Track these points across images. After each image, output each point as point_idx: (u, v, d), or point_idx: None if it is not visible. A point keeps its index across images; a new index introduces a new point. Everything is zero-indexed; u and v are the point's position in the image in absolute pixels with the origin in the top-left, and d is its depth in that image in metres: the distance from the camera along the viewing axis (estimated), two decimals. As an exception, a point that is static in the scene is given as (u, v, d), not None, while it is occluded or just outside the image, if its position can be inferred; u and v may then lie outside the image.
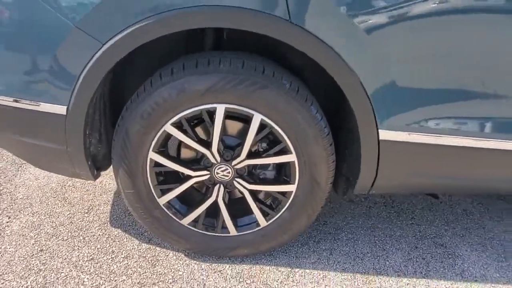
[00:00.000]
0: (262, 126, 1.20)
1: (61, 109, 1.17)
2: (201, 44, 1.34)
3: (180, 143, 1.36)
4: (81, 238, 1.53)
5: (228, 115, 1.21)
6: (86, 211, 1.68)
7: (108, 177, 1.90)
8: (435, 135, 1.17)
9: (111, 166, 1.34)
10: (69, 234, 1.54)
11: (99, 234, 1.55)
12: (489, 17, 1.06)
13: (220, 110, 1.17)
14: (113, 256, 1.45)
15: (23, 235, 1.53)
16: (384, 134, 1.18)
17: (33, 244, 1.49)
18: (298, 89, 1.17)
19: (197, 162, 1.33)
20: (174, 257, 1.44)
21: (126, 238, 1.53)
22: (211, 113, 1.19)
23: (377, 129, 1.18)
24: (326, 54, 1.07)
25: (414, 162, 1.25)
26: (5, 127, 1.28)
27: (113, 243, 1.51)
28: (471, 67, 1.10)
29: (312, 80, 1.29)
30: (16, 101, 1.18)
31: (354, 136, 1.22)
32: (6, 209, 1.67)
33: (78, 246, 1.49)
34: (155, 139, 1.22)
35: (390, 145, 1.20)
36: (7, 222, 1.60)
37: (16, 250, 1.45)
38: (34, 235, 1.53)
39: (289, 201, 1.32)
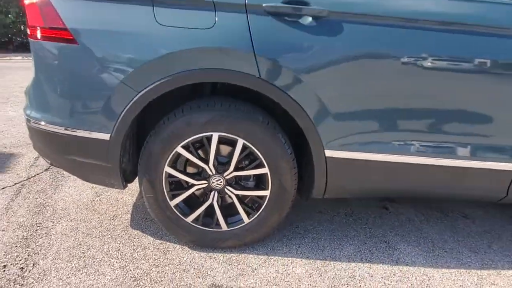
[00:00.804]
0: (244, 147, 1.73)
1: (106, 136, 1.70)
2: (203, 90, 1.91)
3: (187, 160, 1.87)
4: (109, 236, 2.01)
5: (220, 140, 1.74)
6: (111, 218, 2.17)
7: (127, 194, 2.40)
8: (362, 153, 1.70)
9: (135, 180, 1.86)
10: (100, 233, 2.03)
11: (123, 234, 2.03)
12: (391, 68, 1.62)
13: (215, 136, 1.71)
14: (134, 248, 1.92)
15: (65, 234, 2.01)
16: (328, 153, 1.71)
17: (73, 240, 1.96)
18: (268, 122, 1.71)
19: (198, 174, 1.84)
20: (180, 248, 1.92)
21: (144, 237, 2.01)
22: (209, 139, 1.72)
23: (323, 149, 1.71)
24: (285, 98, 1.62)
25: (350, 173, 1.77)
26: (63, 150, 1.81)
27: (134, 239, 1.98)
28: (382, 106, 1.65)
29: (281, 115, 1.82)
30: (74, 130, 1.72)
31: (309, 154, 1.75)
32: (50, 216, 2.16)
33: (107, 241, 1.96)
34: (170, 157, 1.74)
35: (333, 160, 1.72)
36: (52, 225, 2.08)
37: (61, 244, 1.93)
38: (74, 234, 2.01)
39: (265, 203, 1.82)
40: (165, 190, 1.80)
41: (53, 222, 2.11)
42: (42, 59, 1.69)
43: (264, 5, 1.57)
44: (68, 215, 2.19)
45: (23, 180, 2.57)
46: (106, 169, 1.78)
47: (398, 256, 1.93)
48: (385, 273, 1.79)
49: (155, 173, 1.77)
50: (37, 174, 2.67)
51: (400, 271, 1.81)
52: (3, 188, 2.46)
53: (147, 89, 1.62)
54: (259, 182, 1.87)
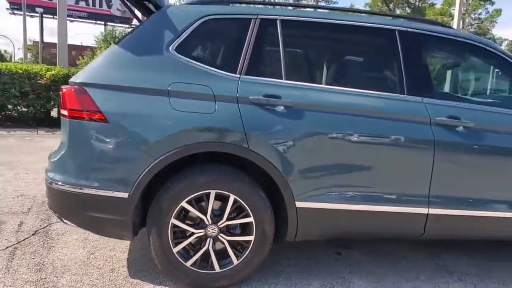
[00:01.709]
0: (235, 201, 2.24)
1: (125, 195, 2.12)
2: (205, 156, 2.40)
3: (185, 213, 2.30)
4: (113, 285, 2.30)
5: (216, 197, 2.24)
6: (110, 271, 2.46)
7: (118, 252, 2.72)
8: (324, 203, 2.29)
9: (139, 231, 2.24)
10: (104, 284, 2.31)
11: (125, 283, 2.33)
12: (335, 142, 2.29)
13: (213, 193, 2.21)
14: (138, 293, 2.24)
15: (72, 286, 2.26)
16: (298, 204, 2.27)
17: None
18: (252, 182, 2.26)
19: (196, 225, 2.28)
20: (179, 291, 2.28)
21: (144, 284, 2.33)
22: (207, 195, 2.21)
23: (294, 201, 2.27)
24: (266, 163, 2.20)
25: (319, 220, 2.33)
26: (82, 208, 2.18)
27: (136, 286, 2.30)
28: (332, 167, 2.29)
29: (261, 176, 2.36)
30: (98, 191, 2.12)
31: (283, 205, 2.29)
32: (52, 272, 2.40)
33: (112, 289, 2.26)
34: (176, 210, 2.19)
35: (302, 210, 2.29)
36: (57, 279, 2.32)
37: (71, 294, 2.19)
38: (80, 286, 2.27)
39: (250, 246, 2.29)
40: (170, 239, 2.21)
41: (57, 277, 2.36)
42: (78, 134, 2.14)
43: (250, 97, 2.21)
44: (69, 270, 2.44)
45: (14, 244, 2.76)
46: (121, 223, 2.17)
47: (353, 287, 2.46)
48: (345, 298, 2.30)
49: (163, 225, 2.19)
50: (26, 238, 2.87)
51: (356, 296, 2.33)
52: (-3, 251, 2.63)
53: (163, 156, 2.11)
54: (244, 229, 2.34)
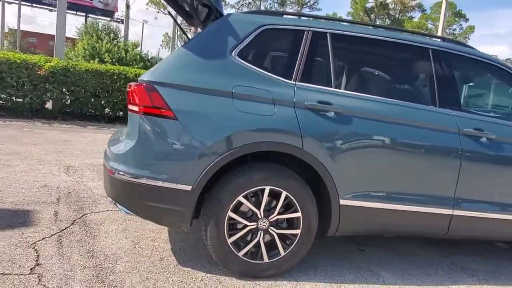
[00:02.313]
0: (286, 197, 2.43)
1: (189, 188, 2.28)
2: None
3: (238, 207, 2.47)
4: (167, 272, 2.44)
5: (268, 193, 2.42)
6: (160, 259, 2.60)
7: (161, 242, 2.85)
8: (365, 202, 2.52)
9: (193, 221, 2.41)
10: (158, 270, 2.45)
11: (177, 270, 2.48)
12: (378, 145, 2.52)
13: (267, 189, 2.39)
14: (193, 279, 2.39)
15: (129, 272, 2.39)
16: (342, 202, 2.49)
17: (139, 276, 2.36)
18: (301, 180, 2.46)
19: (249, 218, 2.46)
20: (230, 279, 2.44)
21: (196, 272, 2.49)
22: (262, 190, 2.40)
23: (339, 199, 2.49)
24: (317, 164, 2.41)
25: (358, 217, 2.56)
26: (146, 198, 2.31)
27: (189, 274, 2.45)
28: (375, 169, 2.52)
29: (311, 175, 2.56)
30: (164, 183, 2.27)
31: (328, 202, 2.50)
32: (105, 260, 2.51)
33: (169, 276, 2.40)
34: (233, 204, 2.36)
35: (345, 207, 2.51)
36: (112, 266, 2.44)
37: (131, 279, 2.32)
38: (136, 272, 2.41)
39: (296, 239, 2.49)
40: (225, 230, 2.38)
41: (111, 264, 2.48)
42: (147, 129, 2.28)
43: (305, 103, 2.42)
44: (120, 258, 2.56)
45: (58, 232, 2.85)
46: (181, 214, 2.32)
47: (383, 279, 2.70)
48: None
49: (220, 217, 2.36)
50: (67, 227, 2.96)
51: (382, 287, 2.58)
52: (43, 239, 2.72)
53: (227, 153, 2.28)
54: (291, 223, 2.54)
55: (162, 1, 3.63)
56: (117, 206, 2.45)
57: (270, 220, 2.45)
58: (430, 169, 2.63)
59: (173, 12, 3.24)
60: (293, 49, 2.53)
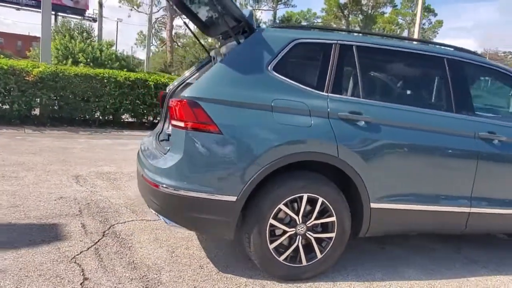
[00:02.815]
0: (322, 203, 2.57)
1: (233, 198, 2.38)
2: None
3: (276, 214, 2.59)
4: (211, 280, 2.54)
5: (307, 199, 2.55)
6: (200, 267, 2.69)
7: (196, 250, 2.94)
8: (393, 204, 2.69)
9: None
10: (202, 278, 2.54)
11: (220, 277, 2.58)
12: (406, 150, 2.70)
13: (305, 196, 2.53)
14: (238, 285, 2.50)
15: (175, 281, 2.47)
16: (373, 205, 2.66)
17: (186, 285, 2.45)
18: (336, 186, 2.61)
19: (288, 224, 2.58)
20: (272, 283, 2.56)
21: (238, 278, 2.59)
22: (300, 198, 2.52)
23: (370, 202, 2.65)
24: (352, 171, 2.56)
25: (387, 218, 2.73)
26: (195, 210, 2.40)
27: (232, 280, 2.56)
28: (403, 173, 2.70)
29: (345, 182, 2.70)
30: (210, 195, 2.36)
31: (360, 206, 2.66)
32: (148, 270, 2.58)
33: (214, 283, 2.50)
34: (274, 211, 2.48)
35: (375, 210, 2.67)
36: (157, 276, 2.52)
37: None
38: (182, 281, 2.49)
39: (331, 242, 2.64)
40: (267, 237, 2.50)
41: (156, 274, 2.55)
42: (192, 143, 2.36)
43: (338, 113, 2.56)
44: (162, 268, 2.64)
45: (93, 245, 2.89)
46: (227, 224, 2.42)
47: (408, 275, 2.89)
48: (401, 283, 2.73)
49: (263, 224, 2.47)
50: (99, 239, 3.00)
51: (410, 282, 2.77)
52: (81, 252, 2.75)
53: (269, 165, 2.40)
54: (325, 227, 2.68)
55: (176, 9, 3.69)
56: (160, 218, 2.53)
57: (308, 225, 2.59)
58: (451, 170, 2.83)
59: (186, 20, 3.33)
60: (323, 62, 2.67)
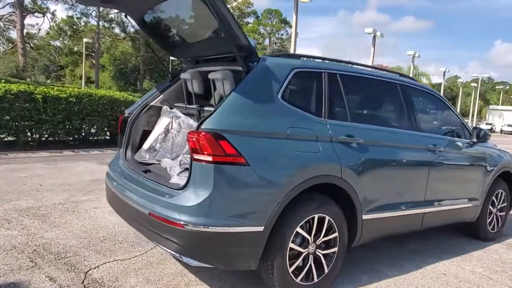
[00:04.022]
0: (328, 221, 2.76)
1: (261, 228, 2.39)
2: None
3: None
4: (235, 313, 2.48)
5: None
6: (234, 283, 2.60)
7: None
8: (376, 214, 3.05)
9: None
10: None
11: (242, 309, 2.54)
12: (389, 167, 3.09)
13: (316, 217, 2.68)
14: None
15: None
16: (364, 217, 2.97)
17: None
18: (339, 205, 2.83)
19: (302, 245, 2.68)
20: (291, 304, 2.64)
21: (257, 306, 2.60)
22: (312, 219, 2.66)
23: (362, 215, 2.95)
24: (351, 189, 2.81)
25: (374, 227, 3.07)
26: (224, 245, 2.32)
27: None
28: (388, 187, 3.08)
29: (342, 198, 2.91)
30: (240, 227, 2.32)
31: (354, 219, 2.94)
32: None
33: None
34: (292, 235, 2.57)
35: (365, 221, 2.98)
36: None
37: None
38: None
39: (335, 256, 2.85)
40: (287, 261, 2.57)
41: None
42: (221, 177, 2.27)
43: (338, 137, 2.79)
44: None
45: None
46: (254, 254, 2.42)
47: (387, 273, 3.30)
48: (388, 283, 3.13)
49: (284, 249, 2.53)
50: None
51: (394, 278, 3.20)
52: None
53: (291, 191, 2.48)
54: (329, 243, 2.86)
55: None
56: (183, 260, 2.36)
57: (317, 243, 2.74)
58: (414, 179, 3.35)
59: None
60: (318, 89, 2.86)
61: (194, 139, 2.31)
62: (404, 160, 3.27)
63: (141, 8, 3.17)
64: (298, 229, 2.60)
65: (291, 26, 64.20)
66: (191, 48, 3.29)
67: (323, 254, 2.79)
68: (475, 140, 3.97)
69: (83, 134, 9.13)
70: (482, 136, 3.92)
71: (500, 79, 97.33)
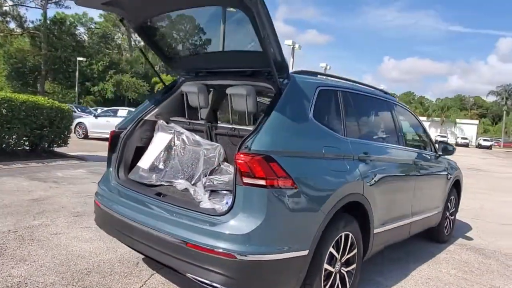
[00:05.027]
0: (351, 239, 2.79)
1: (306, 252, 2.32)
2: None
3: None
4: None
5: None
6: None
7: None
8: (383, 227, 3.18)
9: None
10: None
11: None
12: (394, 183, 3.25)
13: (343, 235, 2.69)
14: None
15: None
16: (375, 230, 3.07)
17: None
18: (359, 223, 2.88)
19: (331, 264, 2.66)
20: (323, 326, 2.60)
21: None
22: (340, 238, 2.66)
23: (374, 228, 3.05)
24: (368, 205, 2.88)
25: (379, 239, 3.18)
26: (274, 272, 2.19)
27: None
28: (394, 198, 3.23)
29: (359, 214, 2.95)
30: (289, 252, 2.22)
31: (367, 234, 3.01)
32: None
33: None
34: (327, 256, 2.54)
35: (376, 235, 3.09)
36: None
37: None
38: None
39: (354, 272, 2.89)
40: (322, 281, 2.53)
41: None
42: (274, 202, 2.15)
43: (358, 155, 2.85)
44: None
45: None
46: (298, 278, 2.34)
47: (386, 284, 3.44)
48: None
49: (321, 270, 2.50)
50: None
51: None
52: None
53: (330, 211, 2.46)
54: (349, 261, 2.86)
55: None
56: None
57: (342, 261, 2.75)
58: (407, 191, 3.57)
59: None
60: (337, 107, 2.89)
61: (244, 161, 2.15)
62: (401, 174, 3.47)
63: (148, 14, 2.87)
64: (331, 249, 2.58)
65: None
66: (201, 60, 3.07)
67: (346, 272, 2.81)
68: (440, 152, 4.38)
69: (3, 145, 7.91)
70: (451, 150, 4.34)
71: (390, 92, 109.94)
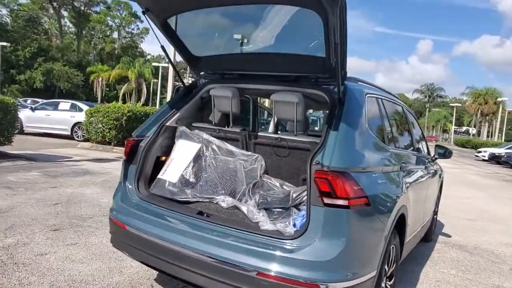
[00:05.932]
0: (395, 252, 2.71)
1: (374, 273, 2.19)
2: None
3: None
4: None
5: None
6: None
7: None
8: (410, 236, 3.16)
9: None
10: None
11: None
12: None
13: (390, 248, 2.60)
14: None
15: None
16: (406, 240, 3.03)
17: None
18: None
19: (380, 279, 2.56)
20: None
21: None
22: (389, 250, 2.57)
23: (406, 238, 3.01)
24: (407, 214, 2.83)
25: (407, 248, 3.15)
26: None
27: None
28: (418, 204, 3.21)
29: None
30: (365, 276, 2.07)
31: (401, 244, 2.96)
32: None
33: None
34: (384, 271, 2.43)
35: (405, 244, 3.05)
36: None
37: None
38: None
39: (394, 283, 2.83)
40: (379, 297, 2.43)
41: None
42: (355, 223, 1.98)
43: (400, 166, 2.77)
44: None
45: None
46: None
47: (404, 289, 3.45)
48: None
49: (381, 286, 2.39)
50: None
51: None
52: None
53: (391, 227, 2.35)
54: (391, 275, 2.79)
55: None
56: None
57: (387, 275, 2.67)
58: (422, 196, 3.60)
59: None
60: (380, 116, 2.78)
61: (326, 179, 1.95)
62: (421, 180, 3.48)
63: (181, 7, 2.50)
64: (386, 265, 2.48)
65: (142, 21, 61.24)
66: (234, 61, 2.76)
67: (389, 285, 2.74)
68: (436, 156, 4.51)
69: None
70: (449, 153, 4.46)
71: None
